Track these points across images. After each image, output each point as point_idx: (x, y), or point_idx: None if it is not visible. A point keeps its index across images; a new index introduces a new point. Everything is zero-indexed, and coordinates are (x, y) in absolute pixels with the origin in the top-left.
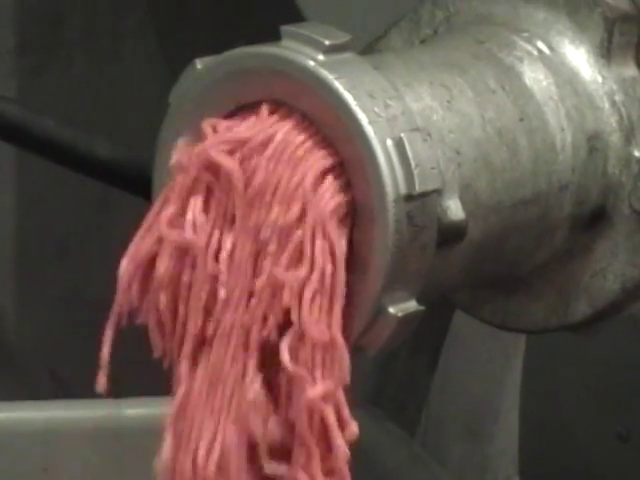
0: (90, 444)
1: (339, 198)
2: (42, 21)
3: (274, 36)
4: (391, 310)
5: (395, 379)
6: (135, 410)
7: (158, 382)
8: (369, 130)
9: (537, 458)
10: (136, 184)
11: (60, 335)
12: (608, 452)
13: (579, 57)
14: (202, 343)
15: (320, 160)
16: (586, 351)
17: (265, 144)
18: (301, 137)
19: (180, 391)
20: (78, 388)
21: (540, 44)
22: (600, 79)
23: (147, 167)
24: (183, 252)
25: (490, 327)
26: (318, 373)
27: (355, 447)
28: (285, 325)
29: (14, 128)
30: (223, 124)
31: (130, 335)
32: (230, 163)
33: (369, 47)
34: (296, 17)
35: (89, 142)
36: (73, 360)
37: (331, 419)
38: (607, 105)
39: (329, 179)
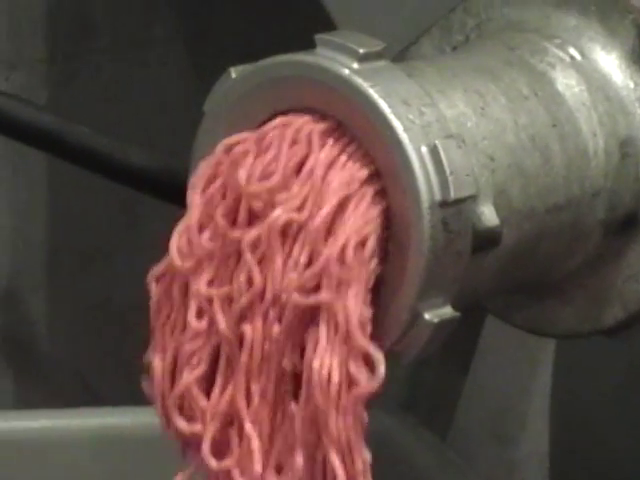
0: (123, 452)
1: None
2: (72, 30)
3: (303, 45)
4: (427, 316)
5: (427, 385)
6: None
7: None
8: (404, 137)
9: (568, 464)
10: (171, 192)
11: (89, 343)
12: None
13: (611, 63)
14: None
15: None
16: (617, 355)
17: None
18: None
19: None
20: (107, 394)
21: (572, 50)
22: (632, 85)
23: (182, 175)
24: None
25: (518, 332)
26: None
27: (388, 453)
28: None
29: (50, 137)
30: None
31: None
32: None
33: (400, 54)
34: (326, 24)
35: (124, 150)
36: (102, 367)
37: None
38: (639, 111)
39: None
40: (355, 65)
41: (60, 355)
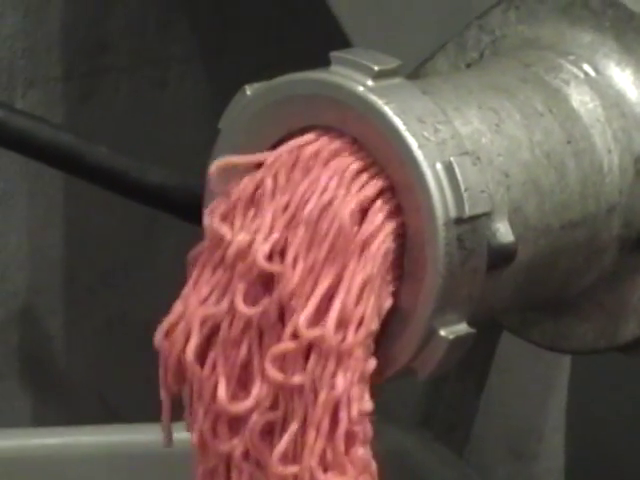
0: (141, 469)
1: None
2: (88, 48)
3: (320, 62)
4: (442, 333)
5: (444, 401)
6: (186, 434)
7: None
8: (419, 154)
9: (585, 479)
10: (187, 210)
11: (107, 360)
12: None
13: (625, 79)
14: None
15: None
16: (633, 371)
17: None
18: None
19: None
20: (125, 411)
21: (586, 67)
22: None
23: (198, 193)
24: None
25: (534, 349)
26: None
27: (405, 469)
28: None
29: (67, 156)
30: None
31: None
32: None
33: (415, 71)
34: (341, 42)
35: (141, 169)
36: (120, 384)
37: None
38: None
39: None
40: (370, 82)
41: (77, 372)
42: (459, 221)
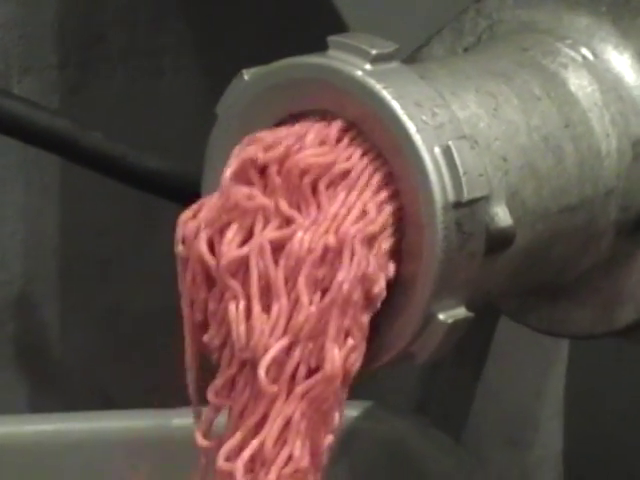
0: (138, 455)
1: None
2: (83, 37)
3: (315, 48)
4: (440, 317)
5: (440, 387)
6: (182, 420)
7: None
8: (417, 138)
9: (582, 467)
10: (183, 196)
11: (103, 348)
12: None
13: (623, 63)
14: None
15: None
16: (630, 359)
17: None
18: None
19: None
20: (121, 399)
21: (584, 50)
22: None
23: (195, 179)
24: None
25: (530, 334)
26: None
27: (402, 455)
28: None
29: (64, 141)
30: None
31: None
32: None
33: (411, 56)
34: (339, 27)
35: (137, 154)
36: (116, 373)
37: None
38: None
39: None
40: (367, 66)
41: (73, 360)
42: (457, 205)
